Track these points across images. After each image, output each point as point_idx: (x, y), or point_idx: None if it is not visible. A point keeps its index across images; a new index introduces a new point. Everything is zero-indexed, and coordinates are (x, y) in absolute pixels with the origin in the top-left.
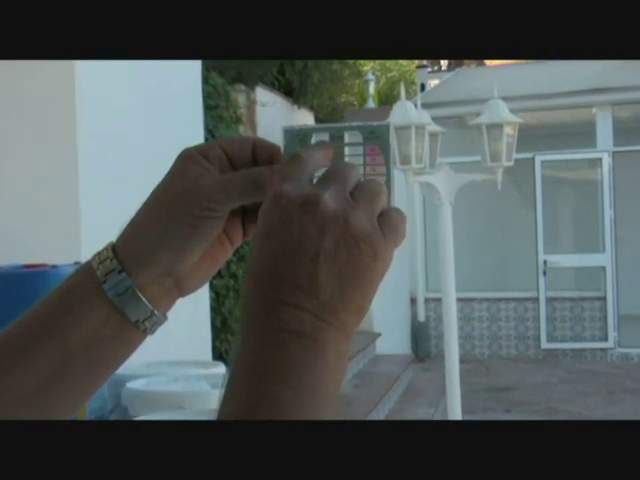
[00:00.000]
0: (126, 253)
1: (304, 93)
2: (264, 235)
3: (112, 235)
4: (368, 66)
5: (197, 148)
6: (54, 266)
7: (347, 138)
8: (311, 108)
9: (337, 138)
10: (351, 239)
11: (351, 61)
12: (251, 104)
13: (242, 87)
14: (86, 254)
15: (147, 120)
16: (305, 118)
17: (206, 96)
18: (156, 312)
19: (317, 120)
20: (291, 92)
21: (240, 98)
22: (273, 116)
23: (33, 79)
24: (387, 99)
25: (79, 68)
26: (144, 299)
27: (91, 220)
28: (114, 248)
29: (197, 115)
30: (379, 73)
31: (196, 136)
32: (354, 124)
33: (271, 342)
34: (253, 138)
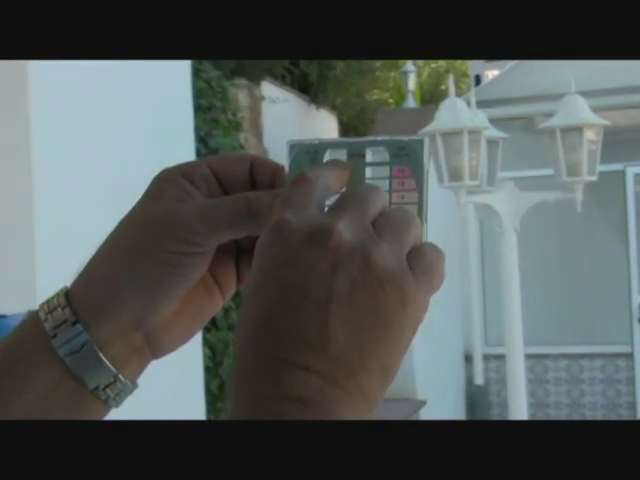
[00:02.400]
0: (83, 300)
1: (324, 89)
2: (261, 275)
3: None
4: None
5: (179, 168)
6: (2, 316)
7: (370, 156)
8: (333, 108)
9: (357, 156)
10: (372, 279)
11: None
12: (255, 103)
13: (244, 82)
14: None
15: (119, 132)
16: (325, 122)
17: (197, 94)
18: (121, 377)
19: (341, 124)
20: (307, 88)
21: (241, 96)
22: (284, 118)
23: None
24: (432, 96)
25: (33, 70)
26: (105, 360)
27: (48, 260)
28: (67, 294)
29: (185, 120)
30: (421, 63)
31: (184, 148)
32: (379, 138)
33: (267, 413)
34: (251, 155)
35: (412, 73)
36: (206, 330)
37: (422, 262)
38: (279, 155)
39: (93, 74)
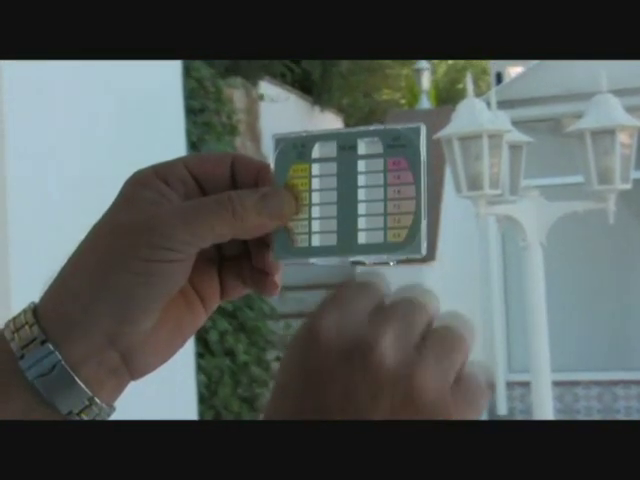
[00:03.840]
0: (52, 316)
1: (328, 89)
2: (282, 392)
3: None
4: None
5: (152, 168)
6: None
7: (363, 148)
8: (339, 110)
9: (348, 149)
10: (414, 408)
11: None
12: (253, 104)
13: (239, 81)
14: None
15: (104, 136)
16: (330, 125)
17: (188, 95)
18: (97, 400)
19: (348, 127)
20: (310, 87)
21: (237, 96)
22: (284, 121)
23: None
24: (448, 96)
25: (6, 70)
26: (79, 381)
27: (24, 275)
28: (35, 310)
29: (176, 124)
30: (436, 59)
31: (174, 154)
32: (372, 128)
33: None
34: (232, 154)
35: (426, 71)
36: (200, 356)
37: (466, 393)
38: None
39: (75, 74)
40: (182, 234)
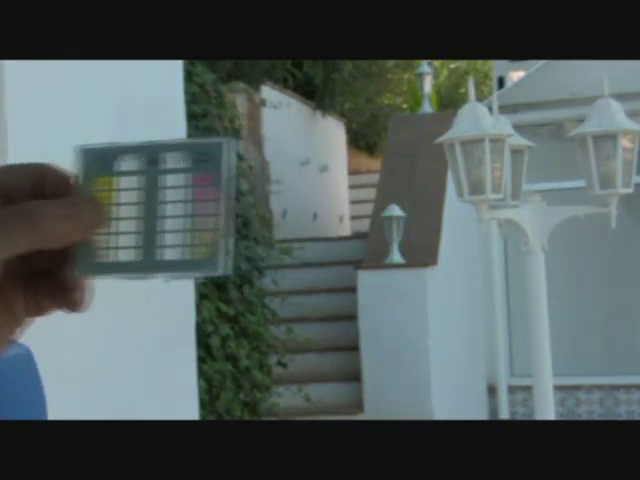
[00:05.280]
0: None
1: (331, 94)
2: None
3: None
4: None
5: None
6: None
7: (169, 162)
8: (341, 115)
9: (155, 162)
10: None
11: None
12: (255, 109)
13: (241, 86)
14: None
15: (102, 140)
16: (333, 129)
17: (190, 100)
18: None
19: (350, 132)
20: (312, 92)
21: (239, 101)
22: (286, 126)
23: None
24: (450, 100)
25: (10, 70)
26: None
27: None
28: None
29: (177, 129)
30: (438, 63)
31: None
32: (178, 142)
33: None
34: (42, 165)
35: (428, 75)
36: (202, 360)
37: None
38: (281, 167)
39: (75, 77)
40: None
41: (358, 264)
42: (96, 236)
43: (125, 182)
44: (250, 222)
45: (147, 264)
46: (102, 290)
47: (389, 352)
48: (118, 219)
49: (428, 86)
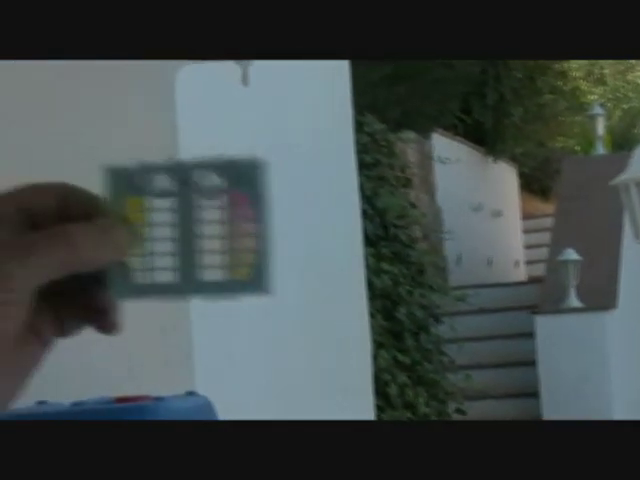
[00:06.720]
0: None
1: (502, 139)
2: None
3: None
4: (594, 95)
5: None
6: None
7: (202, 182)
8: (513, 159)
9: (187, 182)
10: None
11: (568, 90)
12: (425, 157)
13: (411, 135)
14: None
15: (275, 192)
16: (504, 175)
17: (360, 149)
18: None
19: (522, 177)
20: (482, 138)
21: (409, 151)
22: (458, 175)
23: None
24: (625, 141)
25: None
26: None
27: None
28: None
29: (349, 178)
30: (610, 104)
31: (349, 208)
32: (211, 160)
33: None
34: (63, 184)
35: (600, 117)
36: (380, 409)
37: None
38: (454, 214)
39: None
40: (17, 272)
41: (534, 309)
42: (131, 258)
43: (158, 202)
44: (424, 269)
45: (186, 286)
46: (275, 345)
47: (569, 398)
48: (152, 240)
49: (601, 127)
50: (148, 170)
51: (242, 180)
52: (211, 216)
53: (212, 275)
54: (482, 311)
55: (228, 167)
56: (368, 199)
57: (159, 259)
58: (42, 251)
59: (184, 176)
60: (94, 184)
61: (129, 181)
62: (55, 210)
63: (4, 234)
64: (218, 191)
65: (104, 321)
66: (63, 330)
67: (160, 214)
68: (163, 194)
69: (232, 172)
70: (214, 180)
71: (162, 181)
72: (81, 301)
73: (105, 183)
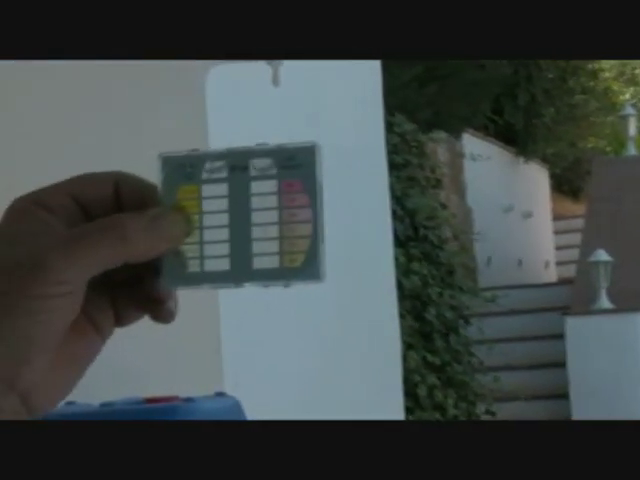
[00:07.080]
0: None
1: (533, 139)
2: None
3: None
4: (626, 95)
5: (31, 195)
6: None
7: (255, 169)
8: (544, 160)
9: (240, 169)
10: None
11: (599, 90)
12: (455, 159)
13: (442, 135)
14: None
15: None
16: (535, 175)
17: (391, 150)
18: None
19: (553, 177)
20: (513, 139)
21: (439, 151)
22: (488, 175)
23: None
24: None
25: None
26: None
27: None
28: None
29: (379, 179)
30: None
31: (379, 209)
32: (264, 147)
33: None
34: (116, 173)
35: (632, 117)
36: (409, 411)
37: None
38: (484, 214)
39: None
40: (70, 265)
41: (565, 310)
42: (184, 246)
43: (210, 190)
44: (454, 270)
45: (240, 273)
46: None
47: (600, 400)
48: (205, 228)
49: (632, 128)
50: (200, 158)
51: (296, 166)
52: (264, 203)
53: (265, 262)
54: (512, 312)
55: (281, 153)
56: (398, 200)
57: (212, 247)
58: (95, 243)
59: (237, 163)
60: (147, 174)
61: (182, 169)
62: (110, 199)
63: (60, 226)
64: (271, 177)
65: (160, 310)
66: (119, 320)
67: (213, 202)
68: (216, 181)
69: (285, 158)
70: (267, 166)
71: (214, 168)
72: (136, 290)
73: (160, 171)
